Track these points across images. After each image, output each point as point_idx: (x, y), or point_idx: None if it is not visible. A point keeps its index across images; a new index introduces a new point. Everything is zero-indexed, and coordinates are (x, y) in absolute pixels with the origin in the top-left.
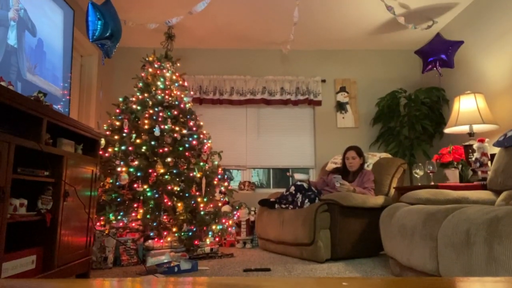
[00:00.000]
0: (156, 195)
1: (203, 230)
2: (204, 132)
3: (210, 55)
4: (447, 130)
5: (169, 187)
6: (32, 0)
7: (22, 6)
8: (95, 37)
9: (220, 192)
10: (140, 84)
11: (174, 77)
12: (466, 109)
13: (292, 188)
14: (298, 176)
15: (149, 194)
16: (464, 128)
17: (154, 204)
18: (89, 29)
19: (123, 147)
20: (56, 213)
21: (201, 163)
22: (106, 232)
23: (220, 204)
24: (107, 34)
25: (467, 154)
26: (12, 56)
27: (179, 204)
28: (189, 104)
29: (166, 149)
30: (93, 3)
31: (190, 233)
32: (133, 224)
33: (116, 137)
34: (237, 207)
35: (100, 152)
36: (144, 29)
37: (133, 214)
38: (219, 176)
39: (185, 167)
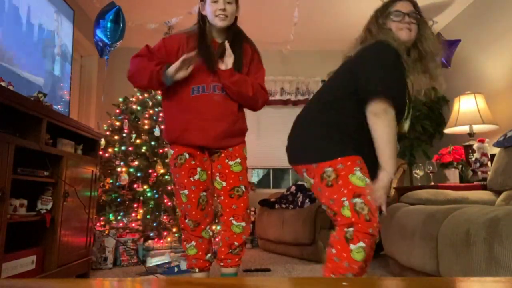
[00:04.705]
0: (156, 196)
1: None
2: None
3: None
4: (447, 130)
5: (169, 187)
6: (32, 1)
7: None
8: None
9: None
10: None
11: None
12: (466, 109)
13: (293, 187)
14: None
15: (149, 194)
16: (464, 128)
17: (154, 204)
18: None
19: (123, 148)
20: (56, 213)
21: None
22: (106, 232)
23: None
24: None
25: (467, 154)
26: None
27: None
28: None
29: (166, 149)
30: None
31: None
32: (133, 225)
33: (116, 137)
34: None
35: (100, 152)
36: (144, 29)
37: (133, 215)
38: None
39: None
